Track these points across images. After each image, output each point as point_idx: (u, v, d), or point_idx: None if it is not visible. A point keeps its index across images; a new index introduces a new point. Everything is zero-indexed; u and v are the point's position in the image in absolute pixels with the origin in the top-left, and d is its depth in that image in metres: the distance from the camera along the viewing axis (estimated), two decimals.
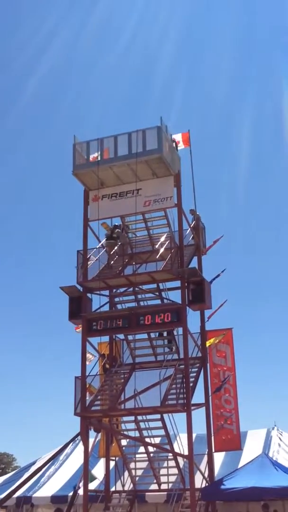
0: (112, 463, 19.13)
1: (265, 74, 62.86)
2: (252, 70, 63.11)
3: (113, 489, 18.80)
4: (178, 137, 19.26)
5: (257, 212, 63.17)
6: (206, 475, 17.46)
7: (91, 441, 18.28)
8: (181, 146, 19.29)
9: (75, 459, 21.71)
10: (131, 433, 18.15)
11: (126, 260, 18.96)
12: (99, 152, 17.79)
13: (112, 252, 18.92)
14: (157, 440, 18.46)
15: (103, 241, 18.82)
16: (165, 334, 18.45)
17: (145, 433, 17.70)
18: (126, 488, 18.64)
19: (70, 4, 56.61)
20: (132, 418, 17.38)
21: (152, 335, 18.50)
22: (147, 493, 18.51)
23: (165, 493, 17.90)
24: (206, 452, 17.67)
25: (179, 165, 18.37)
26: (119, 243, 18.93)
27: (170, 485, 18.13)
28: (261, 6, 59.40)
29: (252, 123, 61.76)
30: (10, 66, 61.88)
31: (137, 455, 18.84)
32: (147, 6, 56.47)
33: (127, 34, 59.60)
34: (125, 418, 18.26)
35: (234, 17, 60.23)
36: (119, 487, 18.79)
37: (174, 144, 18.59)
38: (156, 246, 18.54)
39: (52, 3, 57.51)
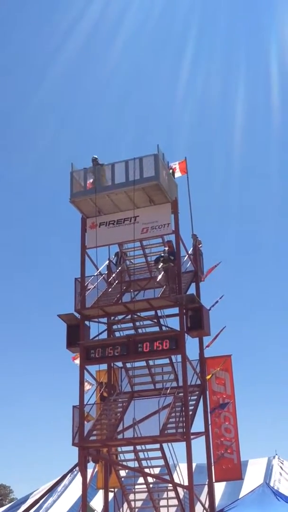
0: (111, 495, 18.80)
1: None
2: None
3: None
4: (175, 165, 19.49)
5: (255, 237, 63.32)
6: (206, 506, 17.15)
7: (89, 472, 17.99)
8: (178, 173, 19.49)
9: (73, 490, 21.39)
10: (130, 464, 17.88)
11: (124, 288, 18.92)
12: (95, 178, 17.92)
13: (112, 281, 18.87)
14: (156, 470, 18.19)
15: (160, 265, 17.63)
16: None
17: (144, 463, 17.44)
18: None
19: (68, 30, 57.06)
20: (131, 447, 17.14)
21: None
22: None
23: None
24: (207, 482, 17.40)
25: (176, 192, 18.47)
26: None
27: None
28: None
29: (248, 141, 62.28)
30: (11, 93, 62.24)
31: (136, 486, 18.54)
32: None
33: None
34: (123, 448, 18.02)
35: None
36: None
37: (171, 171, 18.77)
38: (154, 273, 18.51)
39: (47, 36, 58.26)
